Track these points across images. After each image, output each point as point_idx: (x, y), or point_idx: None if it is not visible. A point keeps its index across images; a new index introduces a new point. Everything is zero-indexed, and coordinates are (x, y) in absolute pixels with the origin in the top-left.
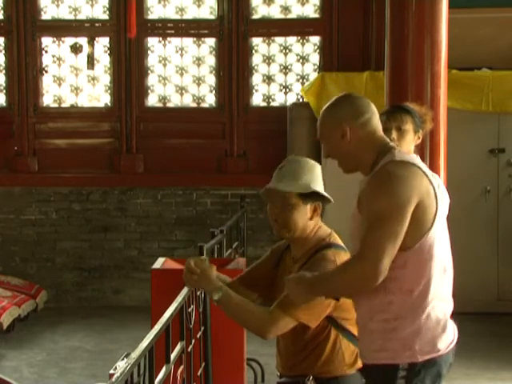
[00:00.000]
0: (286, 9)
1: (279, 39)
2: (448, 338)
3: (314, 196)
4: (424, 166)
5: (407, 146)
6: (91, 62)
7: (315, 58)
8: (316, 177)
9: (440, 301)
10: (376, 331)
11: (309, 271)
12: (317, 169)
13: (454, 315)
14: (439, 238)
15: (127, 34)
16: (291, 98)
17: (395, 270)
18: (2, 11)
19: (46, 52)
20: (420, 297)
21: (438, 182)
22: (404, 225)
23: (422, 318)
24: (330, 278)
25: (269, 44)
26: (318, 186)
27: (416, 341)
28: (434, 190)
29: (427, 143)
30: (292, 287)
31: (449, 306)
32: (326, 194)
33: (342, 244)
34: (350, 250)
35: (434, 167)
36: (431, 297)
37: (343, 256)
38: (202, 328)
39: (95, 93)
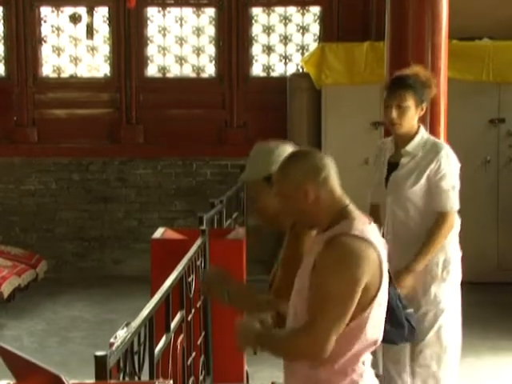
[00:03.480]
0: None
1: (279, 9)
2: None
3: None
4: (375, 236)
5: (409, 122)
6: (90, 32)
7: (315, 28)
8: (278, 158)
9: (361, 368)
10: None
11: (291, 245)
12: (279, 150)
13: None
14: (375, 315)
15: (126, 4)
16: (291, 69)
17: None
18: None
19: (45, 22)
20: (342, 369)
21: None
22: (354, 304)
23: (343, 382)
24: (278, 343)
25: (269, 14)
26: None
27: None
28: (380, 268)
29: (428, 114)
30: (242, 333)
31: (368, 368)
32: None
33: None
34: (290, 303)
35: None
36: (355, 367)
37: None
38: (202, 297)
39: (94, 63)
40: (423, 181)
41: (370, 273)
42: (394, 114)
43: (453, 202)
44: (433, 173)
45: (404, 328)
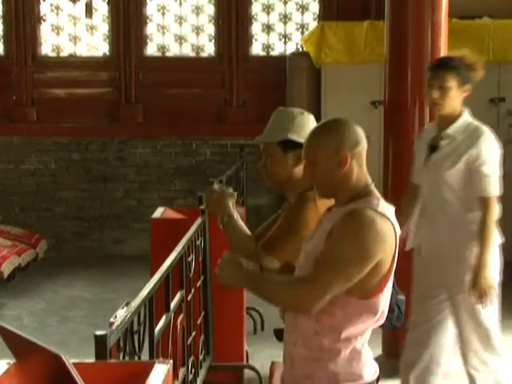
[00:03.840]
0: None
1: None
2: (371, 368)
3: (294, 145)
4: (394, 218)
5: (451, 103)
6: (89, 10)
7: (315, 7)
8: (298, 125)
9: (364, 338)
10: (298, 357)
11: (290, 212)
12: (300, 117)
13: None
14: (387, 293)
15: None
16: (291, 48)
17: (335, 308)
18: None
19: (44, 1)
20: (347, 338)
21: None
22: (361, 274)
23: (346, 352)
24: (270, 284)
25: None
26: (300, 134)
27: (340, 374)
28: (395, 249)
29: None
30: (226, 267)
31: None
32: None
33: None
34: (298, 266)
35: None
36: (358, 337)
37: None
38: (202, 277)
39: (94, 42)
40: (461, 164)
41: (385, 252)
42: (436, 94)
43: (494, 186)
44: (473, 157)
45: (394, 312)
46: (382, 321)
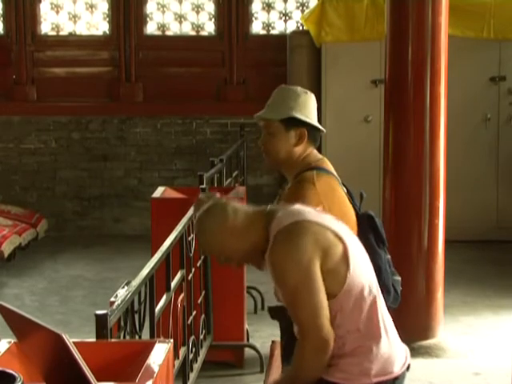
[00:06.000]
0: None
1: None
2: (400, 360)
3: (297, 123)
4: (310, 213)
5: None
6: None
7: None
8: (301, 104)
9: (386, 326)
10: (333, 364)
11: (290, 195)
12: (304, 96)
13: (454, 243)
14: (360, 268)
15: None
16: (291, 26)
17: (336, 317)
18: None
19: None
20: (368, 329)
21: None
22: (319, 281)
23: (374, 346)
24: (297, 372)
25: None
26: (303, 113)
27: (372, 367)
28: (334, 233)
29: (428, 71)
30: None
31: (392, 324)
32: (309, 121)
33: (331, 169)
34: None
35: (434, 95)
36: (380, 324)
37: (325, 178)
38: (202, 256)
39: (93, 21)
40: None
41: (319, 245)
42: None
43: None
44: None
45: (390, 294)
46: (375, 291)
